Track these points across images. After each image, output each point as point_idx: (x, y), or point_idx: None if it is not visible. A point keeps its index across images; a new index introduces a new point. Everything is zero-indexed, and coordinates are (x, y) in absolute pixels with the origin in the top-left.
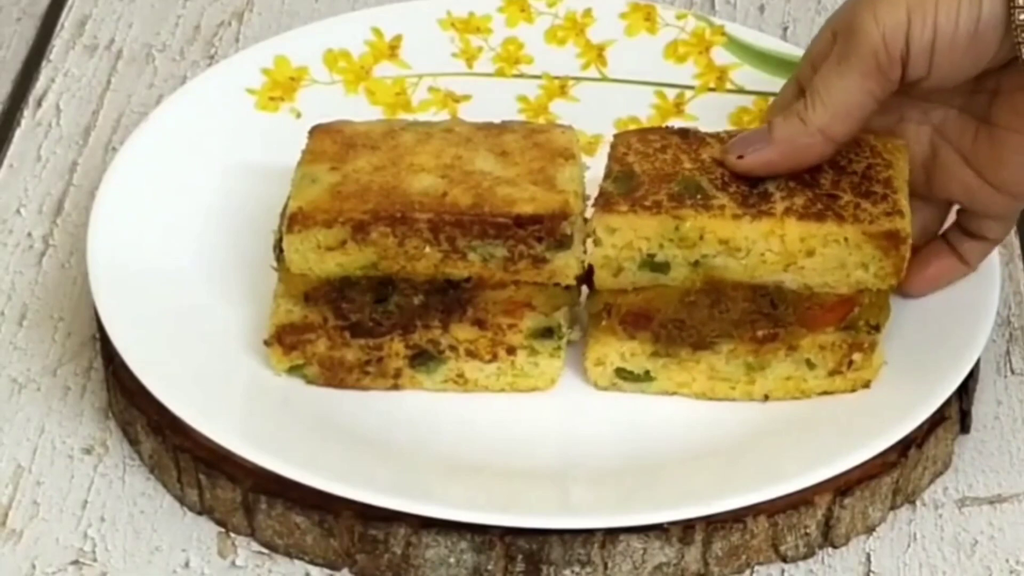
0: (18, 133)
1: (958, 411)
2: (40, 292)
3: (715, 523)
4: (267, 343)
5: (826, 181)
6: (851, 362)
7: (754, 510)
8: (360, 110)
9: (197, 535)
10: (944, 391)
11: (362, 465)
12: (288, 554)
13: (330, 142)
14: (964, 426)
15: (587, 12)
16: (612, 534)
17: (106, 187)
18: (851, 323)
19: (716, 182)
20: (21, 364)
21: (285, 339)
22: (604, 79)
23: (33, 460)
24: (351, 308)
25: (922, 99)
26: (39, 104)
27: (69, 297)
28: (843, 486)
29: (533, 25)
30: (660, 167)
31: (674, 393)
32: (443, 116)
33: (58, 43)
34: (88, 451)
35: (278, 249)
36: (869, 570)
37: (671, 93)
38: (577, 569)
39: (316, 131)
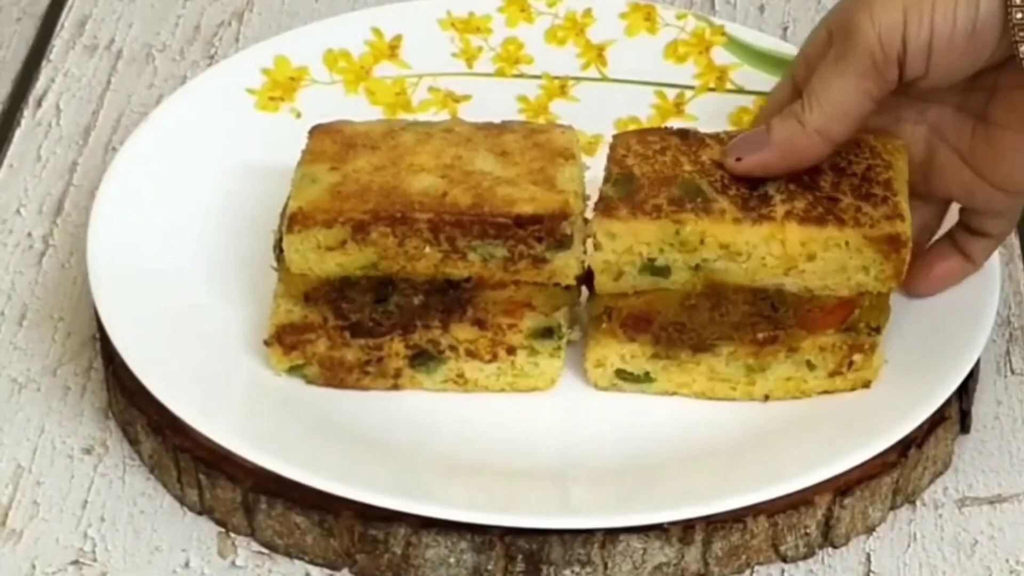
0: (18, 133)
1: (958, 411)
2: (40, 292)
3: (715, 523)
4: (267, 343)
5: (826, 183)
6: (851, 363)
7: (754, 510)
8: (360, 110)
9: (197, 535)
10: (944, 391)
11: (362, 465)
12: (288, 554)
13: (330, 142)
14: (964, 426)
15: (587, 12)
16: (612, 534)
17: (106, 187)
18: (851, 325)
19: (716, 185)
20: (21, 364)
21: (285, 339)
22: (604, 79)
23: (33, 460)
24: (351, 308)
25: (919, 99)
26: (39, 104)
27: (69, 297)
28: (843, 486)
29: (533, 25)
30: (660, 169)
31: (674, 393)
32: (443, 116)
33: (58, 43)
34: (88, 451)
35: (278, 249)
36: (869, 570)
37: (671, 93)
38: (577, 569)
39: (316, 131)
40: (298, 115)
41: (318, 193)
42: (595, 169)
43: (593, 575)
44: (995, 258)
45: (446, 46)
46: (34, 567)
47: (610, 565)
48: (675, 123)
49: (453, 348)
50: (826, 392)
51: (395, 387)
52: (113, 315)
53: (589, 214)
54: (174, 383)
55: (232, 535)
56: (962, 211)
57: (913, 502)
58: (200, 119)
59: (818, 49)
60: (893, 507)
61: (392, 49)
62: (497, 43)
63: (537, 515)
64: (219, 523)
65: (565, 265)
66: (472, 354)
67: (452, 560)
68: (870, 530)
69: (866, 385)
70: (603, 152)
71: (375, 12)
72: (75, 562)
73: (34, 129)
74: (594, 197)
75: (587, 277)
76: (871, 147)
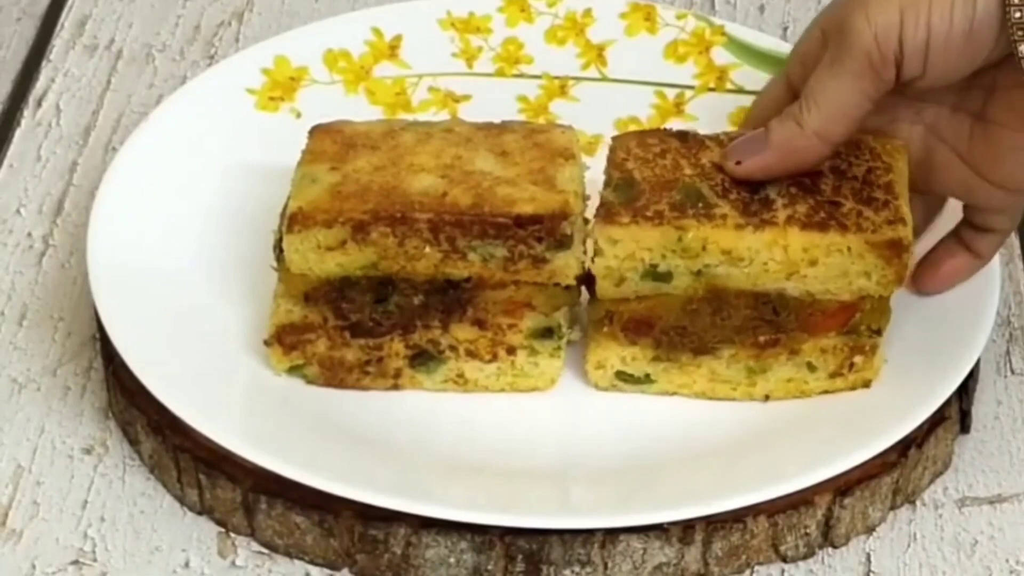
0: (18, 133)
1: (958, 411)
2: (40, 292)
3: (715, 523)
4: (267, 343)
5: (827, 187)
6: (852, 364)
7: (754, 510)
8: (360, 110)
9: (197, 535)
10: (944, 391)
11: (362, 465)
12: (288, 554)
13: (330, 142)
14: (964, 426)
15: (587, 12)
16: (612, 534)
17: (106, 187)
18: (853, 328)
19: (717, 189)
20: (21, 364)
21: (285, 339)
22: (604, 79)
23: (33, 460)
24: (351, 308)
25: (915, 98)
26: (39, 104)
27: (69, 297)
28: (843, 486)
29: (533, 25)
30: (660, 173)
31: (674, 394)
32: (443, 116)
33: (58, 43)
34: (88, 451)
35: (278, 249)
36: (869, 570)
37: (671, 93)
38: (577, 569)
39: (316, 131)
40: (298, 115)
41: (318, 193)
42: (595, 169)
43: (593, 575)
44: (995, 258)
45: (446, 46)
46: (34, 567)
47: (610, 565)
48: (675, 123)
49: (453, 348)
50: (826, 392)
51: (395, 387)
52: (113, 315)
53: (589, 214)
54: (174, 383)
55: (232, 535)
56: (965, 208)
57: (913, 502)
58: (200, 119)
59: (812, 48)
60: (893, 507)
61: (392, 49)
62: (497, 43)
63: (537, 515)
64: (219, 523)
65: (565, 265)
66: (472, 354)
67: (452, 560)
68: (870, 530)
69: (866, 385)
70: (603, 152)
71: (375, 12)
72: (75, 562)
73: (34, 129)
74: (594, 197)
75: (587, 279)
76: (871, 149)
